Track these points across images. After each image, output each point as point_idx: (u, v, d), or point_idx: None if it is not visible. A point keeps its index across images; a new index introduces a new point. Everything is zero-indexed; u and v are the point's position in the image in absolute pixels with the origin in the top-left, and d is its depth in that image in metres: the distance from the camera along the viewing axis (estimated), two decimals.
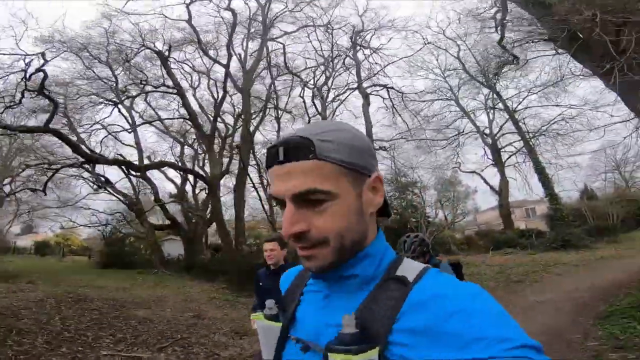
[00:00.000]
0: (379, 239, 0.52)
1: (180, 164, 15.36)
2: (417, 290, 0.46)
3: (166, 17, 13.23)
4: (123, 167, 12.80)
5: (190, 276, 11.24)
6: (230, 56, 12.51)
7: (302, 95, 13.56)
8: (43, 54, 10.24)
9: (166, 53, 11.92)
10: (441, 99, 19.58)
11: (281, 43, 14.43)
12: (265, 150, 0.50)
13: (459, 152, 19.42)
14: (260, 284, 2.42)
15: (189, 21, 13.07)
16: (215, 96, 14.62)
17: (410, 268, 0.49)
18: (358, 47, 12.58)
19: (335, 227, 0.47)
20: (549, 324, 4.37)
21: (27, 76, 9.58)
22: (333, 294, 0.52)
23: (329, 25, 14.66)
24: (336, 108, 14.51)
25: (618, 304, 4.38)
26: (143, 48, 11.70)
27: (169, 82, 12.93)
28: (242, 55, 14.50)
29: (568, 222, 14.78)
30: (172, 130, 16.11)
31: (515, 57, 11.67)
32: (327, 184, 0.46)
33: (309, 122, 14.18)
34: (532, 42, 7.88)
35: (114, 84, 13.06)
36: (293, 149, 0.46)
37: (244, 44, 14.62)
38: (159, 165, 13.43)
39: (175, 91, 12.26)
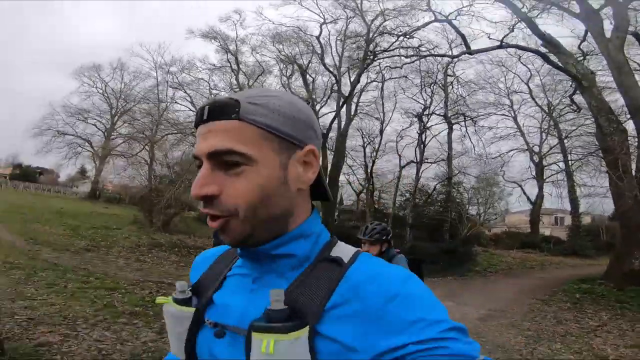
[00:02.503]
0: (315, 218, 0.53)
1: None
2: (352, 272, 0.47)
3: (301, 30, 18.65)
4: None
5: None
6: (354, 89, 17.92)
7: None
8: None
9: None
10: (499, 114, 24.29)
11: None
12: None
13: (507, 162, 24.38)
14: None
15: (318, 37, 18.46)
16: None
17: (344, 250, 0.51)
18: (449, 79, 17.52)
19: (248, 194, 0.46)
20: (543, 284, 10.30)
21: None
22: (264, 276, 0.51)
23: (419, 49, 19.63)
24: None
25: (573, 280, 10.29)
26: (294, 67, 17.25)
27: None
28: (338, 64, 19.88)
29: (582, 236, 20.33)
30: None
31: (579, 109, 16.29)
32: (245, 147, 0.46)
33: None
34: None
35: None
36: (217, 108, 0.47)
37: (340, 51, 19.94)
38: None
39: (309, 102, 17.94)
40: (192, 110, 23.37)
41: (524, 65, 22.16)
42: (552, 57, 11.95)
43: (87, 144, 28.89)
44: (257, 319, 0.44)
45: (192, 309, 0.53)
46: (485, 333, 5.09)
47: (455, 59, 14.62)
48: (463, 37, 12.05)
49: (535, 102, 22.21)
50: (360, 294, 0.45)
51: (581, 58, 13.46)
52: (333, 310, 0.45)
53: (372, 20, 19.85)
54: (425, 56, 14.49)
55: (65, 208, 17.78)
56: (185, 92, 23.66)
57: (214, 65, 22.43)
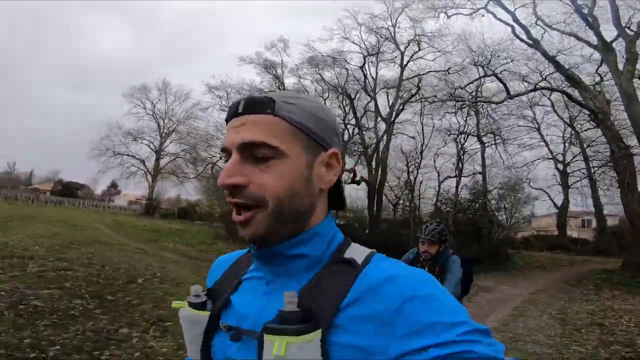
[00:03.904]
0: (330, 220, 0.56)
1: None
2: (367, 273, 0.49)
3: (347, 62, 22.39)
4: None
5: None
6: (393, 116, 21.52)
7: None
8: None
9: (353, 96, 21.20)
10: (523, 126, 27.35)
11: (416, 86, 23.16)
12: None
13: (532, 170, 27.43)
14: None
15: (362, 67, 22.19)
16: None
17: (358, 251, 0.54)
18: (479, 100, 20.87)
19: (276, 186, 0.50)
20: (571, 275, 13.49)
21: None
22: (277, 279, 0.54)
23: (448, 71, 23.07)
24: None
25: (596, 272, 13.48)
26: (343, 96, 20.96)
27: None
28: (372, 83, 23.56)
29: (608, 237, 23.33)
30: None
31: (598, 124, 19.49)
32: (277, 140, 0.50)
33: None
34: None
35: None
36: (253, 103, 0.52)
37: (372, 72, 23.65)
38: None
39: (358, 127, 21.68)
40: None
41: (546, 80, 25.52)
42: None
43: (140, 163, 32.94)
44: (270, 321, 0.46)
45: (207, 313, 0.56)
46: (538, 300, 8.44)
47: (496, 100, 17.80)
48: (505, 85, 15.46)
49: (557, 115, 25.31)
50: (375, 295, 0.46)
51: (599, 80, 16.71)
52: (347, 312, 0.46)
53: (406, 47, 23.53)
54: (475, 102, 17.80)
55: (147, 226, 21.48)
56: None
57: (262, 90, 26.45)
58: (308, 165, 0.52)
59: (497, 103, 17.14)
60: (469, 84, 17.57)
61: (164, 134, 33.68)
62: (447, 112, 18.47)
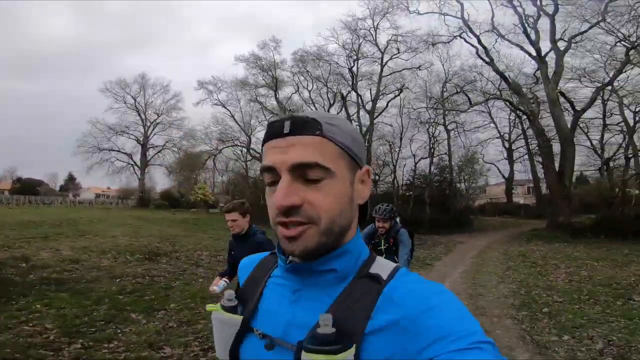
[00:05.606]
0: (358, 236, 0.63)
1: None
2: (390, 288, 0.56)
3: (338, 64, 27.16)
4: None
5: None
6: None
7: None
8: None
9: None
10: (477, 111, 33.88)
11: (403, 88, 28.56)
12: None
13: (484, 147, 34.32)
14: (232, 252, 2.98)
15: (350, 69, 27.13)
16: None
17: (382, 266, 0.60)
18: (450, 109, 26.77)
19: (329, 206, 0.55)
20: (514, 233, 20.09)
21: None
22: (304, 288, 0.59)
23: (419, 68, 28.65)
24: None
25: (530, 230, 20.29)
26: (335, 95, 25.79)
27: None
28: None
29: (546, 203, 31.14)
30: None
31: (530, 124, 26.38)
32: (328, 161, 0.55)
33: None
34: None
35: None
36: (300, 124, 0.56)
37: (354, 69, 28.79)
38: None
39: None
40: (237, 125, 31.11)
41: (497, 73, 32.07)
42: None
43: (127, 157, 35.46)
44: (308, 340, 0.51)
45: (239, 317, 0.62)
46: (492, 247, 14.47)
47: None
48: (469, 98, 21.34)
49: (505, 103, 32.09)
50: (398, 309, 0.52)
51: (535, 82, 23.11)
52: (374, 327, 0.52)
53: (386, 47, 28.65)
54: (447, 110, 23.54)
55: (164, 218, 25.19)
56: (227, 108, 31.41)
57: (254, 85, 30.43)
58: (351, 183, 0.59)
59: (463, 111, 23.27)
60: (445, 98, 23.33)
61: (147, 127, 36.28)
62: (427, 121, 24.30)
